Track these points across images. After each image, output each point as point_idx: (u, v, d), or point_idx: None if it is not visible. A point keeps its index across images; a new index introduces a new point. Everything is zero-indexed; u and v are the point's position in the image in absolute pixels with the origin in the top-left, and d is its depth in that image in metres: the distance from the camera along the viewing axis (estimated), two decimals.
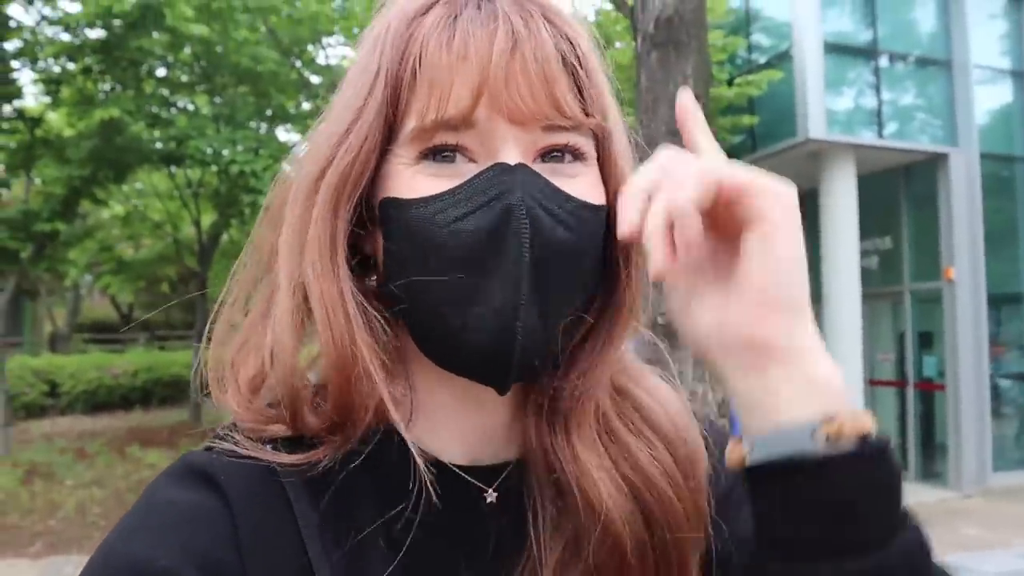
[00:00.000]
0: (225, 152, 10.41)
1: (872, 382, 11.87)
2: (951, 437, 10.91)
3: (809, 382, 0.58)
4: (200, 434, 0.72)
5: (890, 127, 11.29)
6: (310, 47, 11.77)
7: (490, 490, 0.70)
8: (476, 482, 0.70)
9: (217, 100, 11.74)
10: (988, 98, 11.97)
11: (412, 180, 0.64)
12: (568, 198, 0.64)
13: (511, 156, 0.62)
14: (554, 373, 0.70)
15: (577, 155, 0.66)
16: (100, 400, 15.51)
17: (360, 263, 0.70)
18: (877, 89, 11.20)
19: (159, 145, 11.28)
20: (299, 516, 0.63)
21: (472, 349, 0.63)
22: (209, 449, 0.67)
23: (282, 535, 0.62)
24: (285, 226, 0.68)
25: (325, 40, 11.76)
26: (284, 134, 13.07)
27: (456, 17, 0.64)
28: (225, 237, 14.92)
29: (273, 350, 0.66)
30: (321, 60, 12.24)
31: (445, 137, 0.63)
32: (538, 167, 0.64)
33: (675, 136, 0.69)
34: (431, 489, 0.65)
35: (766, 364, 0.59)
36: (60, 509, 8.20)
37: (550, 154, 0.65)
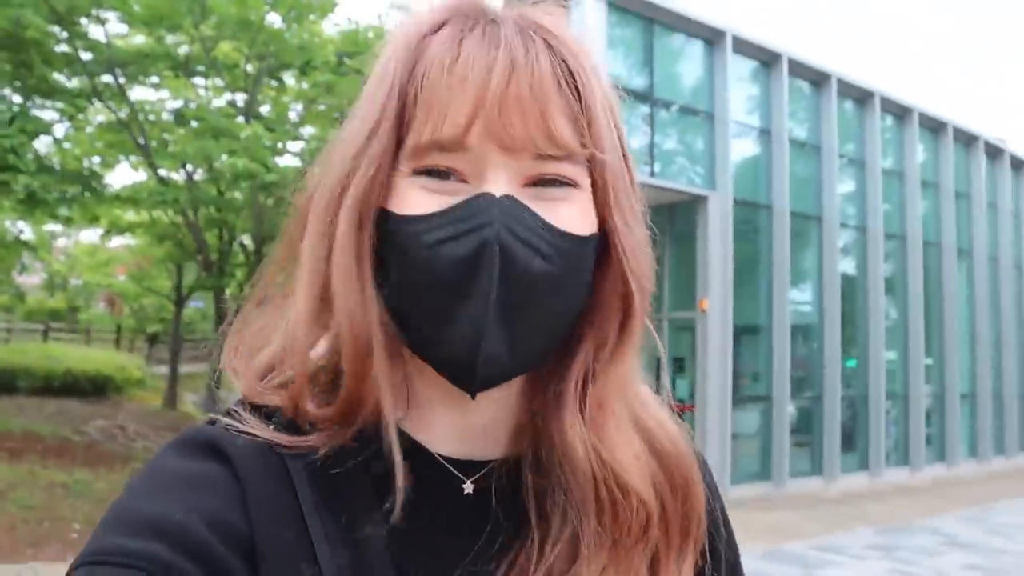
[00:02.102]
0: None
1: None
2: None
3: None
4: None
5: (660, 168, 12.33)
6: (84, 20, 10.69)
7: (468, 482, 0.72)
8: (456, 472, 0.72)
9: None
10: (740, 150, 13.46)
11: (406, 193, 0.66)
12: (550, 229, 0.65)
13: (499, 184, 0.64)
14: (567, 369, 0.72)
15: (567, 182, 0.67)
16: None
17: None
18: (651, 132, 12.20)
19: None
20: (299, 493, 0.65)
21: (443, 360, 0.67)
22: (212, 423, 0.69)
23: (286, 508, 0.64)
24: (308, 231, 0.70)
25: (103, 14, 10.75)
26: (45, 111, 11.78)
27: (462, 40, 0.66)
28: None
29: (290, 343, 0.70)
30: (98, 35, 11.17)
31: (439, 159, 0.65)
32: (526, 192, 0.65)
33: None
34: (410, 475, 0.67)
35: None
36: None
37: (540, 182, 0.66)
